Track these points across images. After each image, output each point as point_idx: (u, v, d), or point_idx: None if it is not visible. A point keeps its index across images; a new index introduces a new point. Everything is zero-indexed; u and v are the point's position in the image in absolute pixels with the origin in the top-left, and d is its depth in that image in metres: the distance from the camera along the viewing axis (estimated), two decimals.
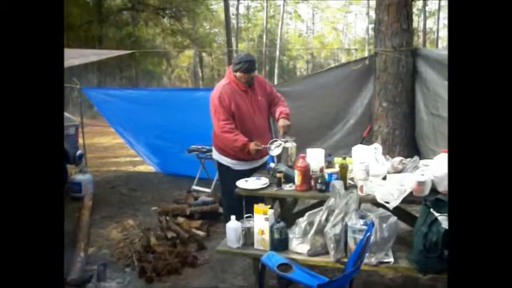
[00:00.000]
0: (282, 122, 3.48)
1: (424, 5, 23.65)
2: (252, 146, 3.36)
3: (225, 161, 3.60)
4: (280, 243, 2.72)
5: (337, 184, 2.71)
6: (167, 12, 20.52)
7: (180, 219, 4.34)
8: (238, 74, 3.42)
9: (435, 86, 4.73)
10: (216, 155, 3.70)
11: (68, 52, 6.12)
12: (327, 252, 2.65)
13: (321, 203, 2.98)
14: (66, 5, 17.53)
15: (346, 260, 2.52)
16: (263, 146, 3.39)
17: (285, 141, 3.37)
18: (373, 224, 2.41)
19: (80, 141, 6.18)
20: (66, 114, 6.13)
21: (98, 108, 7.13)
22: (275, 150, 3.37)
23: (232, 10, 24.61)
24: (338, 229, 2.57)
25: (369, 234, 2.20)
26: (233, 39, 23.36)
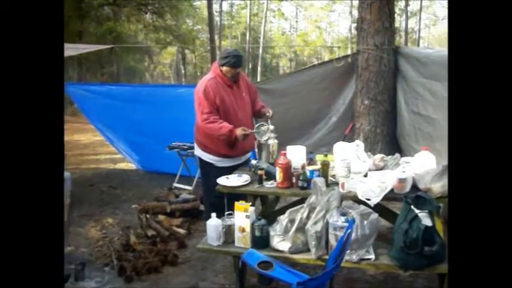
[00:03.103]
0: (267, 109, 3.57)
1: (406, 4, 23.95)
2: (239, 131, 3.33)
3: (208, 157, 3.56)
4: (261, 241, 2.70)
5: (319, 181, 2.70)
6: (149, 8, 20.24)
7: (161, 217, 4.28)
8: (224, 68, 3.42)
9: (415, 84, 4.78)
10: (198, 151, 3.65)
11: None
12: (308, 250, 2.64)
13: (302, 201, 2.98)
14: None
15: (327, 257, 2.52)
16: (250, 130, 3.39)
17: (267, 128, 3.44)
18: (354, 221, 2.40)
19: None
20: None
21: (77, 105, 6.99)
22: (262, 133, 3.37)
23: (215, 7, 24.47)
24: (319, 226, 2.56)
25: (349, 231, 2.19)
26: (216, 37, 23.21)
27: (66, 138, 6.20)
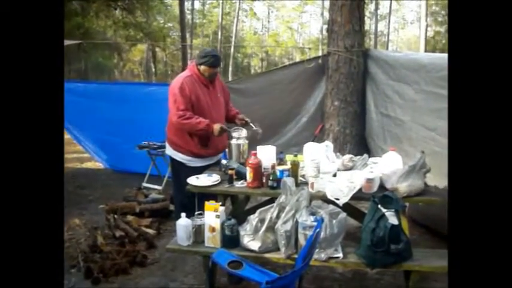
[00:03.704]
0: (242, 115, 3.66)
1: (376, 8, 24.47)
2: (217, 125, 3.35)
3: (179, 157, 3.53)
4: (231, 241, 2.70)
5: (289, 181, 2.72)
6: (119, 4, 19.81)
7: (129, 217, 4.21)
8: (202, 67, 3.41)
9: (384, 87, 4.88)
10: (169, 150, 3.62)
11: None
12: (278, 249, 2.66)
13: (272, 200, 3.00)
14: None
15: (296, 256, 2.54)
16: (229, 128, 3.45)
17: (256, 130, 3.56)
18: (322, 220, 2.44)
19: None
20: None
21: None
22: (237, 135, 3.44)
23: (187, 5, 24.27)
24: (289, 226, 2.59)
25: (318, 230, 2.22)
26: (188, 35, 23.02)
27: None
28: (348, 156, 3.30)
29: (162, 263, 3.54)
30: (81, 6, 20.08)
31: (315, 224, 2.44)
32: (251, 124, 3.59)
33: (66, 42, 7.84)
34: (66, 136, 8.09)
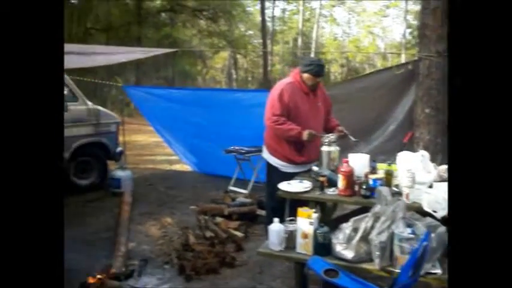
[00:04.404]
0: (341, 127, 3.65)
1: None
2: (306, 131, 3.38)
3: (273, 161, 3.61)
4: (323, 248, 2.69)
5: (384, 190, 2.65)
6: (204, 13, 20.75)
7: (218, 219, 4.37)
8: (305, 75, 3.46)
9: None
10: (265, 154, 3.72)
11: (116, 48, 6.30)
12: (371, 260, 2.59)
13: (362, 210, 2.94)
14: (108, 6, 18.07)
15: (391, 268, 2.47)
16: (319, 133, 3.44)
17: (356, 141, 3.65)
18: (429, 233, 2.34)
19: (120, 138, 6.35)
20: (108, 111, 6.31)
21: (137, 107, 7.30)
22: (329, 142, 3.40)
23: (268, 13, 24.68)
24: (384, 237, 2.52)
25: (425, 243, 2.14)
26: (268, 42, 23.41)
27: (124, 138, 6.49)
28: (444, 167, 3.15)
29: (249, 266, 3.62)
30: (170, 17, 21.31)
31: (412, 236, 2.36)
32: (350, 136, 3.57)
33: (164, 50, 8.34)
34: (156, 139, 8.64)
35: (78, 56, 5.05)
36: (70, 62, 4.87)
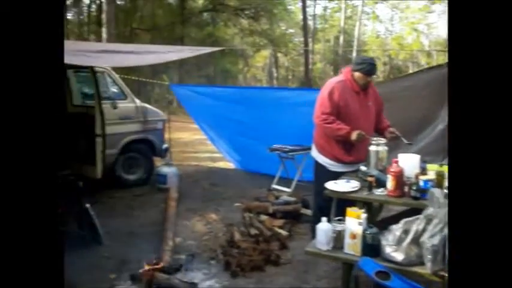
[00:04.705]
0: (393, 129, 3.60)
1: None
2: (355, 131, 3.34)
3: (321, 159, 3.60)
4: (372, 249, 2.65)
5: (437, 192, 2.58)
6: (246, 12, 20.92)
7: (263, 217, 4.40)
8: (357, 74, 3.44)
9: None
10: (314, 152, 3.71)
11: (166, 47, 6.47)
12: (422, 263, 2.54)
13: (409, 211, 2.87)
14: (152, 6, 18.54)
15: (443, 273, 2.41)
16: (367, 135, 3.38)
17: (409, 143, 3.58)
18: None
19: (166, 135, 6.51)
20: (154, 109, 6.48)
21: (183, 105, 7.44)
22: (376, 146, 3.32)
23: (309, 11, 24.51)
24: (436, 240, 2.45)
25: None
26: (309, 40, 23.25)
27: (169, 135, 6.65)
28: None
29: (294, 264, 3.63)
30: (212, 16, 21.62)
31: None
32: (402, 139, 3.51)
33: (212, 49, 8.48)
34: (199, 136, 8.78)
35: (127, 55, 5.19)
36: (124, 60, 5.02)
